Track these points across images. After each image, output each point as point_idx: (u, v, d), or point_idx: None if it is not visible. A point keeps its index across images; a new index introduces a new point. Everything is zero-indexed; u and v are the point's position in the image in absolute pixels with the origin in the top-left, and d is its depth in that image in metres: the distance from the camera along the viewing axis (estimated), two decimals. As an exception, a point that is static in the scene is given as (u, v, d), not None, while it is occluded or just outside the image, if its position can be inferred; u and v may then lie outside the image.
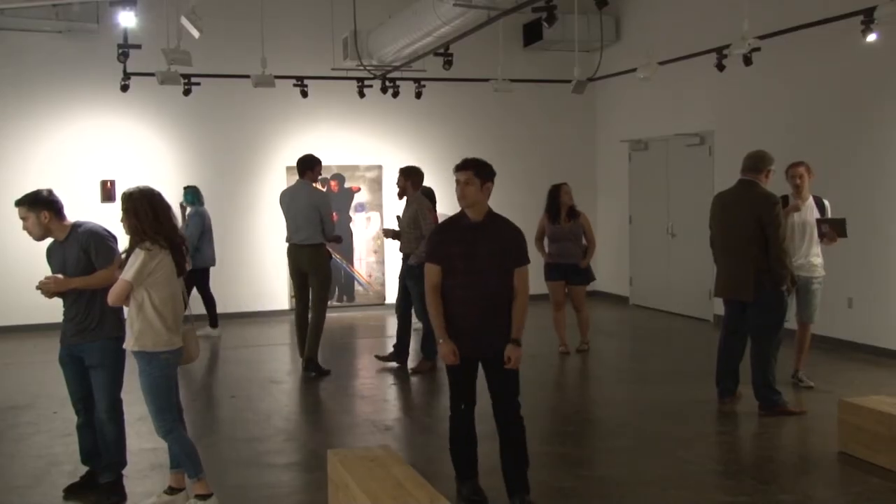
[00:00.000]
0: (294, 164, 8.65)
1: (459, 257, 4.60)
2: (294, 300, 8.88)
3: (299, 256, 8.29)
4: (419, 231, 8.08)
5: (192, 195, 10.40)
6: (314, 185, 8.44)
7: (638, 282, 12.55)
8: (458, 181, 4.63)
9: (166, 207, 4.70)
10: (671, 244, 11.72)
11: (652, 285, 12.23)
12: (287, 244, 8.46)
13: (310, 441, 6.38)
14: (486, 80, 10.79)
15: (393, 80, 11.12)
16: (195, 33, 7.74)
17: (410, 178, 8.33)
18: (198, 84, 10.21)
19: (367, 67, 10.78)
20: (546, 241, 9.03)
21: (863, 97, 8.60)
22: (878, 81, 8.39)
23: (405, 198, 8.42)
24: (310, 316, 8.33)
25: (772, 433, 6.22)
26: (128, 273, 4.53)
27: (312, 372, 8.27)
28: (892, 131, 8.28)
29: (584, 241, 9.00)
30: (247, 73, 9.98)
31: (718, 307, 7.60)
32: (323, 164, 8.71)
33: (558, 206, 8.96)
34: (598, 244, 9.43)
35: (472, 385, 4.80)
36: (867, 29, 7.23)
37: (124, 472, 5.13)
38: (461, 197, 4.61)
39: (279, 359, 9.49)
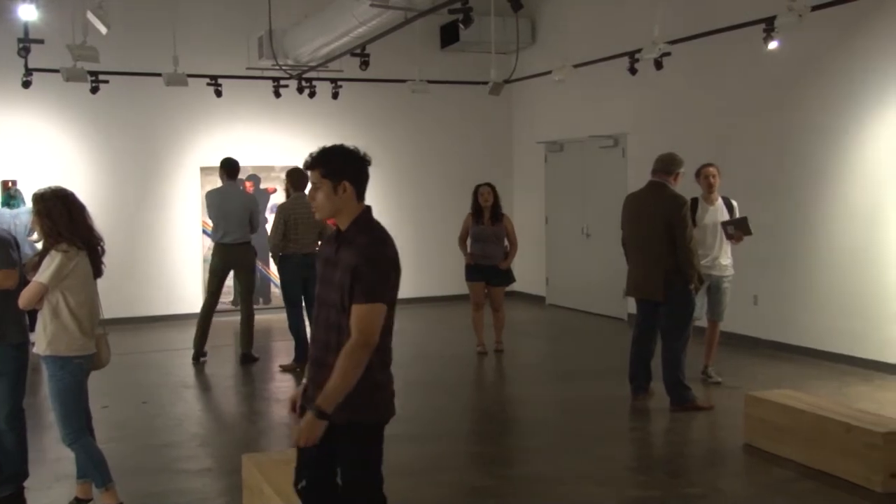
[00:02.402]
0: (208, 164, 8.71)
1: (320, 281, 3.38)
2: (206, 295, 9.05)
3: (230, 256, 8.66)
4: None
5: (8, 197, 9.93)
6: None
7: (554, 282, 12.73)
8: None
9: (81, 208, 4.56)
10: (586, 244, 11.93)
11: (568, 285, 12.43)
12: (215, 244, 8.78)
13: (224, 445, 6.26)
14: (404, 81, 10.79)
15: (309, 80, 11.02)
16: (102, 29, 7.51)
17: (290, 179, 8.70)
18: (106, 82, 9.91)
19: (283, 67, 10.67)
20: (469, 241, 9.06)
21: (767, 101, 8.92)
22: (781, 87, 8.72)
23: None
24: (241, 311, 8.86)
25: (682, 428, 6.39)
26: (43, 275, 4.37)
27: (250, 363, 8.76)
28: (795, 134, 8.61)
29: (506, 243, 9.07)
30: (158, 71, 9.75)
31: (632, 306, 7.78)
32: (239, 164, 8.96)
33: (479, 206, 8.99)
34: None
35: (319, 451, 3.25)
36: (769, 37, 7.50)
37: (25, 483, 4.93)
38: (313, 208, 3.35)
39: (192, 363, 9.29)
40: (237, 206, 8.60)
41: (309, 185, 3.36)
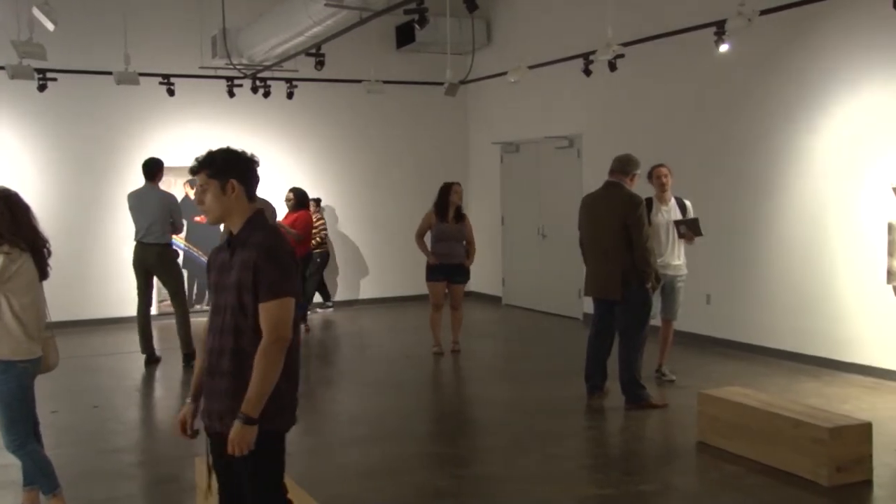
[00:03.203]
0: (164, 164, 8.68)
1: (214, 290, 3.27)
2: (138, 299, 8.95)
3: (145, 255, 8.62)
4: None
5: None
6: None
7: (510, 282, 12.78)
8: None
9: (25, 208, 4.45)
10: (542, 245, 12.00)
11: (524, 285, 12.48)
12: (135, 244, 8.73)
13: (177, 449, 6.16)
14: (359, 81, 10.75)
15: (264, 79, 10.93)
16: (49, 26, 7.36)
17: None
18: (54, 79, 9.72)
19: (237, 66, 10.56)
20: (431, 240, 9.00)
21: (719, 103, 9.05)
22: (733, 88, 8.86)
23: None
24: (175, 314, 8.74)
25: (637, 426, 6.45)
26: None
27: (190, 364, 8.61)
28: (745, 135, 8.76)
29: (464, 243, 9.05)
30: (109, 69, 9.58)
31: (588, 306, 7.84)
32: (159, 165, 8.87)
33: (447, 204, 8.93)
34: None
35: (216, 464, 3.31)
36: (719, 40, 7.63)
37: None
38: (202, 212, 3.26)
39: (144, 367, 9.14)
40: (153, 207, 8.55)
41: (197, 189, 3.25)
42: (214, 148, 3.29)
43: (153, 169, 8.75)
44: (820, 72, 7.95)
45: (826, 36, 7.88)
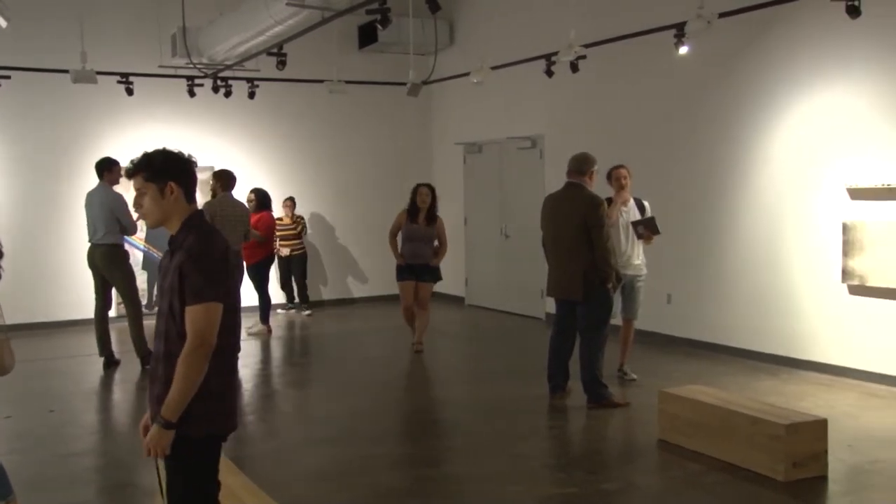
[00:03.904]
0: (117, 162, 8.56)
1: (157, 293, 3.26)
2: (95, 301, 8.86)
3: (94, 255, 8.57)
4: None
5: None
6: (113, 187, 8.65)
7: (473, 282, 12.80)
8: None
9: None
10: (505, 245, 12.03)
11: (487, 285, 12.51)
12: (88, 244, 8.71)
13: (135, 453, 6.07)
14: (321, 81, 10.69)
15: (225, 79, 10.82)
16: (1, 22, 7.22)
17: (220, 180, 9.30)
18: (7, 77, 9.53)
19: (198, 66, 10.44)
20: (400, 240, 9.09)
21: (679, 104, 9.16)
22: (692, 90, 8.97)
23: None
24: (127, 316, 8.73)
25: (599, 425, 6.50)
26: None
27: (147, 365, 8.41)
28: (703, 136, 8.86)
29: (436, 244, 9.13)
30: (65, 67, 9.43)
31: (550, 306, 7.88)
32: (109, 164, 8.71)
33: (416, 205, 9.01)
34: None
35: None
36: (679, 42, 7.71)
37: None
38: (140, 216, 3.21)
39: (102, 370, 9.01)
40: (97, 207, 8.48)
41: (135, 192, 3.16)
42: (151, 151, 3.19)
43: (101, 168, 8.65)
44: (777, 74, 8.07)
45: (782, 39, 8.01)
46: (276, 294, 11.85)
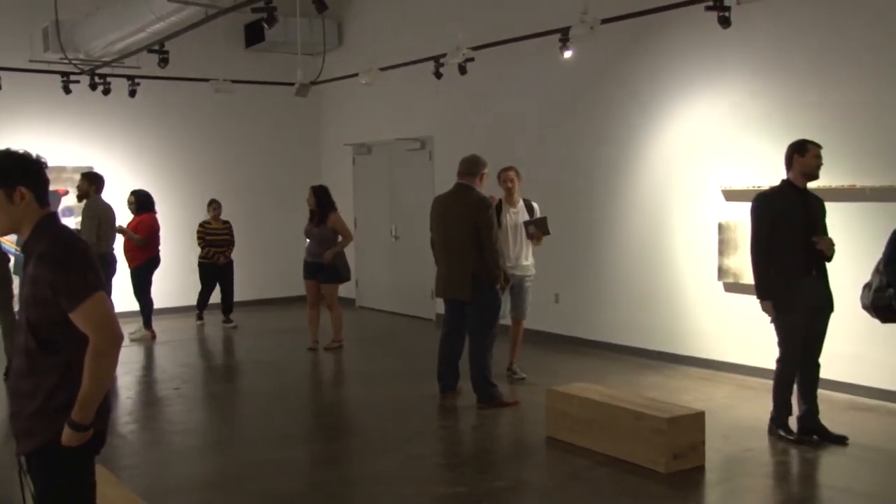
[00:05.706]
0: None
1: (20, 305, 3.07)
2: None
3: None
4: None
5: None
6: None
7: (364, 284, 12.74)
8: None
9: None
10: (395, 246, 12.03)
11: (377, 287, 12.48)
12: None
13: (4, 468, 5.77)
14: (207, 80, 10.43)
15: (103, 76, 10.41)
16: None
17: (94, 181, 9.30)
18: None
19: (73, 62, 10.00)
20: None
21: (565, 107, 9.36)
22: (577, 93, 9.18)
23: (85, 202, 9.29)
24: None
25: (489, 424, 6.57)
26: None
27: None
28: (589, 138, 9.09)
29: (339, 239, 9.22)
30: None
31: (440, 307, 7.92)
32: None
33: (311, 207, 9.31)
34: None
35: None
36: (564, 46, 7.88)
37: None
38: None
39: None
40: None
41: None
42: None
43: None
44: (658, 78, 8.36)
45: (663, 45, 8.30)
46: (178, 299, 11.54)
